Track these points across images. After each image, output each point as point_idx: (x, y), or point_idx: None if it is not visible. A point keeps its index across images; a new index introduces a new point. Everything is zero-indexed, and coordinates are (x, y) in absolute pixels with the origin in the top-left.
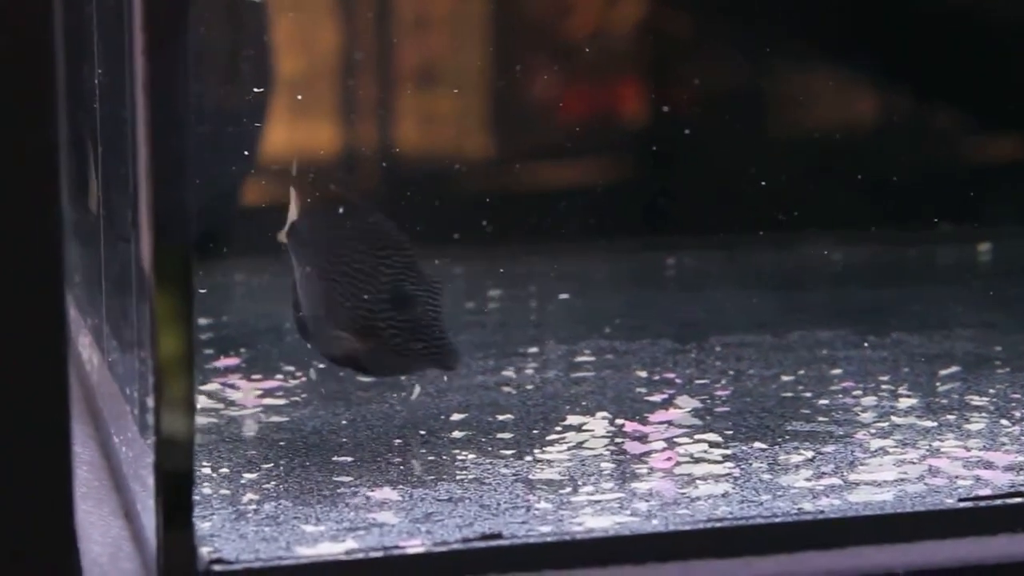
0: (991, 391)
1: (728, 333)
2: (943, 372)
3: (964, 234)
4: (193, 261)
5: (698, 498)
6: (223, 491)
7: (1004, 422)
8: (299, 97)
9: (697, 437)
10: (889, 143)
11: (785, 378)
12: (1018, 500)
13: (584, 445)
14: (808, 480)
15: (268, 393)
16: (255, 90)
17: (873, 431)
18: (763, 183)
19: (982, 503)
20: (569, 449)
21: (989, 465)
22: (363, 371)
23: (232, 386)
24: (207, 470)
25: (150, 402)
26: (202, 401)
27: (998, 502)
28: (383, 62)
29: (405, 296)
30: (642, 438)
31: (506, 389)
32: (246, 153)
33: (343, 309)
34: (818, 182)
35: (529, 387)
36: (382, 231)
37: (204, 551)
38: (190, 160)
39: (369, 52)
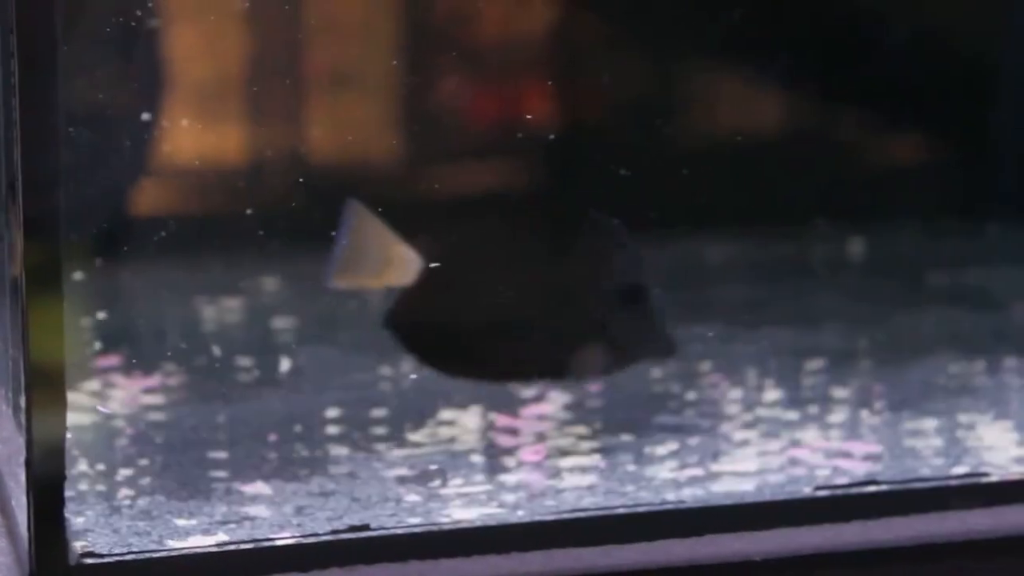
0: (854, 383)
1: None
2: (809, 365)
3: (839, 230)
4: (64, 262)
5: (564, 489)
6: (99, 487)
7: (864, 413)
8: (184, 123)
9: (567, 431)
10: (771, 142)
11: (656, 373)
12: (872, 488)
13: (457, 439)
14: (672, 471)
15: (149, 391)
16: (145, 90)
17: (738, 423)
18: (644, 181)
19: (838, 492)
20: (441, 443)
21: (848, 455)
22: (575, 373)
23: (113, 384)
24: (84, 467)
25: (23, 401)
26: (82, 399)
27: (853, 491)
28: (291, 66)
29: (638, 290)
30: (513, 432)
31: (383, 386)
32: (138, 156)
33: (561, 311)
34: (701, 181)
35: (406, 383)
36: (604, 224)
37: (76, 545)
38: (61, 160)
39: (277, 56)
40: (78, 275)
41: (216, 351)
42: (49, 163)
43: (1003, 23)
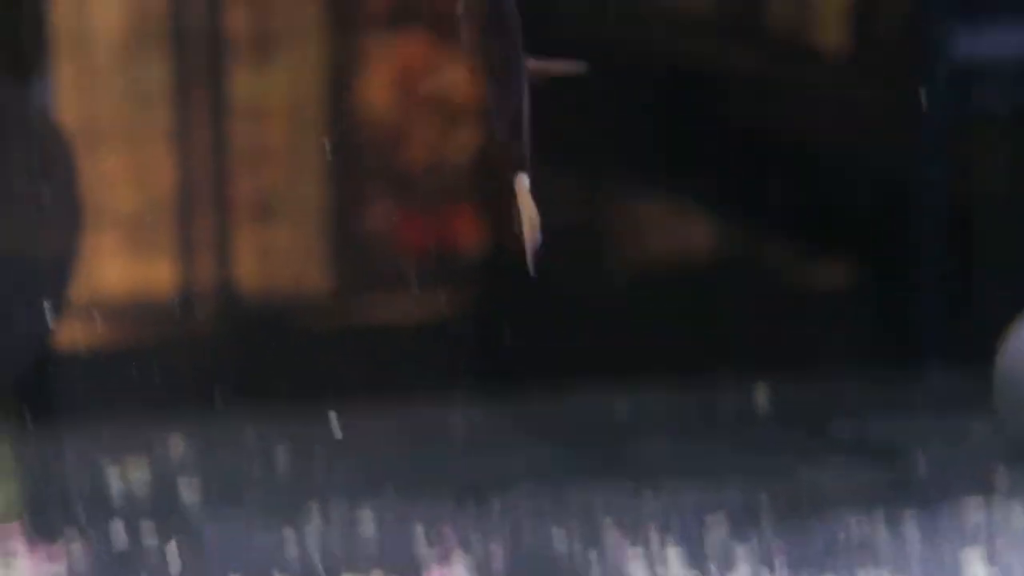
0: (754, 539)
1: (509, 488)
2: (711, 520)
3: (744, 380)
4: None
5: None
6: None
7: (764, 571)
8: (94, 259)
9: None
10: (674, 285)
11: (559, 533)
12: None
13: None
14: None
15: (51, 559)
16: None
17: None
18: (548, 327)
19: None
20: None
21: None
22: None
23: (12, 553)
24: None
25: None
26: None
27: None
28: (218, 195)
29: None
30: None
31: (287, 549)
32: (53, 295)
33: None
34: (607, 327)
35: (309, 546)
36: None
37: None
38: None
39: (204, 185)
40: None
41: (120, 515)
42: None
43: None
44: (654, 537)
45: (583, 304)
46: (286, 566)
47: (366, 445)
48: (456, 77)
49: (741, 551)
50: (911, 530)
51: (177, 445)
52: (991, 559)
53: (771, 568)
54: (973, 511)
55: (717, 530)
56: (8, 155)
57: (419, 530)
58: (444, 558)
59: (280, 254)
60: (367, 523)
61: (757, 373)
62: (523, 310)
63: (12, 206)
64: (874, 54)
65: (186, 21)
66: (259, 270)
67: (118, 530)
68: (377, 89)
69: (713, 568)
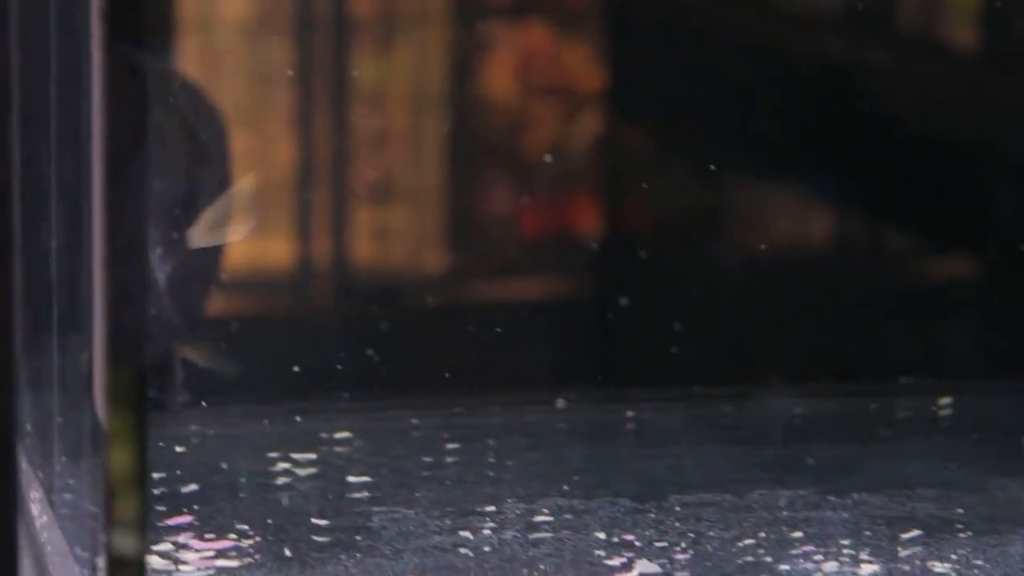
0: (953, 556)
1: (687, 492)
2: (904, 536)
3: (926, 387)
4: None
5: None
6: None
7: None
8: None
9: None
10: (849, 282)
11: (746, 541)
12: None
13: None
14: None
15: (221, 554)
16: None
17: None
18: (720, 328)
19: None
20: None
21: None
22: None
23: (184, 546)
24: None
25: (100, 563)
26: (153, 562)
27: None
28: (338, 175)
29: None
30: None
31: (463, 551)
32: (211, 269)
33: None
34: (775, 327)
35: (486, 549)
36: None
37: None
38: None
39: (324, 165)
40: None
41: (290, 511)
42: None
43: None
44: (846, 550)
45: (706, 295)
46: (464, 567)
47: (533, 441)
48: (577, 66)
49: (939, 568)
50: None
51: (344, 439)
52: None
53: None
54: None
55: (911, 544)
56: (169, 127)
57: (599, 534)
58: (626, 563)
59: (397, 235)
60: (544, 526)
61: (941, 383)
62: (642, 298)
63: (172, 180)
64: (1008, 48)
65: (310, 5)
66: (376, 250)
67: (288, 524)
68: (498, 76)
69: None
